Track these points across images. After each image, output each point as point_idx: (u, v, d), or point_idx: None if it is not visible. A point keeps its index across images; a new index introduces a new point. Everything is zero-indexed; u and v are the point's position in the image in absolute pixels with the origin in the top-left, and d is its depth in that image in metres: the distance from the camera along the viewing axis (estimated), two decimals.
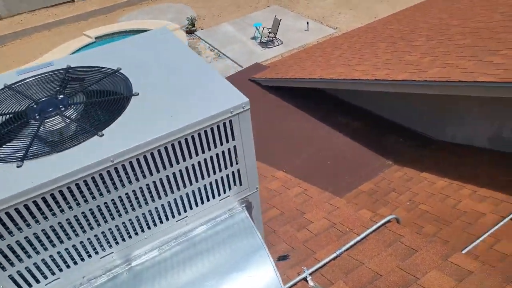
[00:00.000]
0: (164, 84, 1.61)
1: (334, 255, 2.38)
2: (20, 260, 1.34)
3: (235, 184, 1.69)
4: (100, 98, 1.55)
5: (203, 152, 1.50)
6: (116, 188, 1.38)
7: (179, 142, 1.41)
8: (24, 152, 1.34)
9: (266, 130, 6.27)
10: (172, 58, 1.77)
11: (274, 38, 13.58)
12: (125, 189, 1.40)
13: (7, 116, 1.51)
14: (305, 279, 2.30)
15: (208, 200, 1.66)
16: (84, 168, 1.27)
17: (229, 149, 1.56)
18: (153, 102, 1.51)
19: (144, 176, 1.42)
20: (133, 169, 1.38)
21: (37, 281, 1.43)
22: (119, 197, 1.41)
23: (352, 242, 2.45)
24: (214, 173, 1.59)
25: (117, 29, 15.41)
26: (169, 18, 16.19)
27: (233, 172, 1.64)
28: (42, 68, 1.77)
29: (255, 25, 14.14)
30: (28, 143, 1.37)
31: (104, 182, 1.34)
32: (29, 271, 1.40)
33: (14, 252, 1.31)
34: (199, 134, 1.44)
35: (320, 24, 14.74)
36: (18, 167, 1.29)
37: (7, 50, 15.32)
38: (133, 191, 1.43)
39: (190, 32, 14.94)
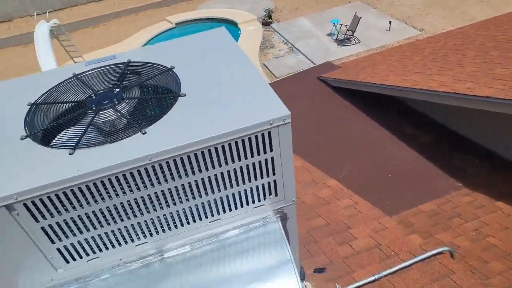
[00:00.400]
0: (211, 87, 1.63)
1: (373, 278, 2.26)
2: (67, 236, 1.47)
3: (270, 194, 1.68)
4: (151, 95, 1.63)
5: (239, 160, 1.50)
6: (152, 184, 1.45)
7: (216, 148, 1.43)
8: (77, 141, 1.45)
9: (329, 132, 6.13)
10: (224, 61, 1.79)
11: (351, 36, 13.13)
12: (161, 186, 1.46)
13: (69, 104, 1.65)
14: None
15: (242, 206, 1.67)
16: (124, 163, 1.35)
17: (266, 160, 1.54)
18: (197, 104, 1.55)
19: (180, 177, 1.46)
20: (170, 169, 1.43)
21: (80, 256, 1.56)
22: (155, 193, 1.47)
23: (395, 268, 2.30)
24: (250, 181, 1.59)
25: (196, 16, 16.07)
26: (247, 9, 16.43)
27: (268, 183, 1.63)
28: (106, 60, 1.90)
29: (332, 21, 13.79)
30: (81, 132, 1.49)
31: (141, 178, 1.41)
32: (74, 247, 1.53)
33: (61, 229, 1.44)
34: (236, 143, 1.44)
35: (404, 24, 13.91)
36: (70, 154, 1.41)
37: (97, 31, 16.78)
38: (169, 189, 1.49)
39: (266, 23, 15.04)
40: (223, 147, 1.44)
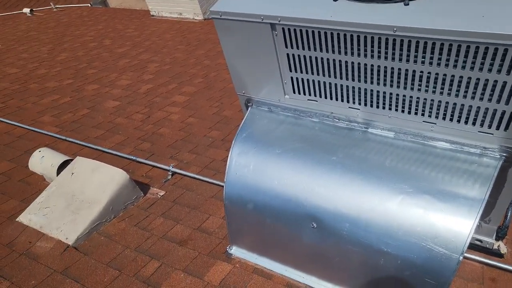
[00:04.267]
0: None
1: None
2: (301, 71, 1.74)
3: (507, 127, 1.41)
4: None
5: (488, 71, 1.28)
6: (386, 57, 1.45)
7: (467, 46, 1.25)
8: None
9: None
10: None
11: None
12: (392, 62, 1.45)
13: None
14: None
15: (465, 123, 1.49)
16: (371, 25, 1.38)
17: None
18: None
19: (415, 62, 1.40)
20: (409, 49, 1.38)
21: (304, 93, 1.83)
22: (385, 67, 1.49)
23: None
24: (481, 99, 1.37)
25: None
26: None
27: (503, 112, 1.35)
28: None
29: None
30: None
31: (379, 46, 1.43)
32: (303, 82, 1.80)
33: (300, 63, 1.70)
34: (495, 49, 1.21)
35: None
36: (334, 0, 1.53)
37: None
38: (399, 69, 1.46)
39: None
40: (477, 48, 1.25)
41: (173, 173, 2.94)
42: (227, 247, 2.22)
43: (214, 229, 2.41)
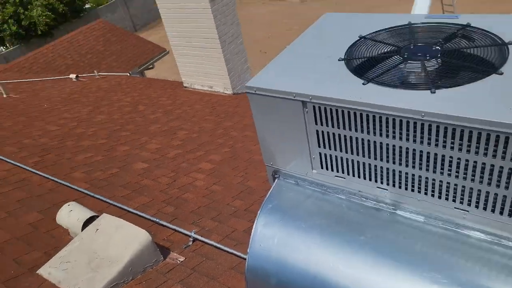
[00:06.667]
0: None
1: None
2: (330, 148, 1.78)
3: None
4: (461, 62, 1.55)
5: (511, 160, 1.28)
6: (415, 140, 1.48)
7: (497, 136, 1.27)
8: (374, 76, 1.64)
9: None
10: None
11: None
12: (420, 145, 1.48)
13: (388, 46, 1.81)
14: None
15: (501, 213, 1.45)
16: (398, 109, 1.44)
17: None
18: (506, 86, 1.37)
19: (444, 146, 1.42)
20: (437, 134, 1.41)
21: (332, 169, 1.86)
22: (413, 149, 1.51)
23: None
24: None
25: None
26: None
27: None
28: (447, 18, 1.88)
29: None
30: (381, 72, 1.65)
31: (407, 129, 1.47)
32: (331, 158, 1.83)
33: (329, 140, 1.75)
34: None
35: None
36: (363, 84, 1.62)
37: None
38: (428, 152, 1.48)
39: None
40: (506, 138, 1.26)
41: (194, 240, 2.91)
42: None
43: None
